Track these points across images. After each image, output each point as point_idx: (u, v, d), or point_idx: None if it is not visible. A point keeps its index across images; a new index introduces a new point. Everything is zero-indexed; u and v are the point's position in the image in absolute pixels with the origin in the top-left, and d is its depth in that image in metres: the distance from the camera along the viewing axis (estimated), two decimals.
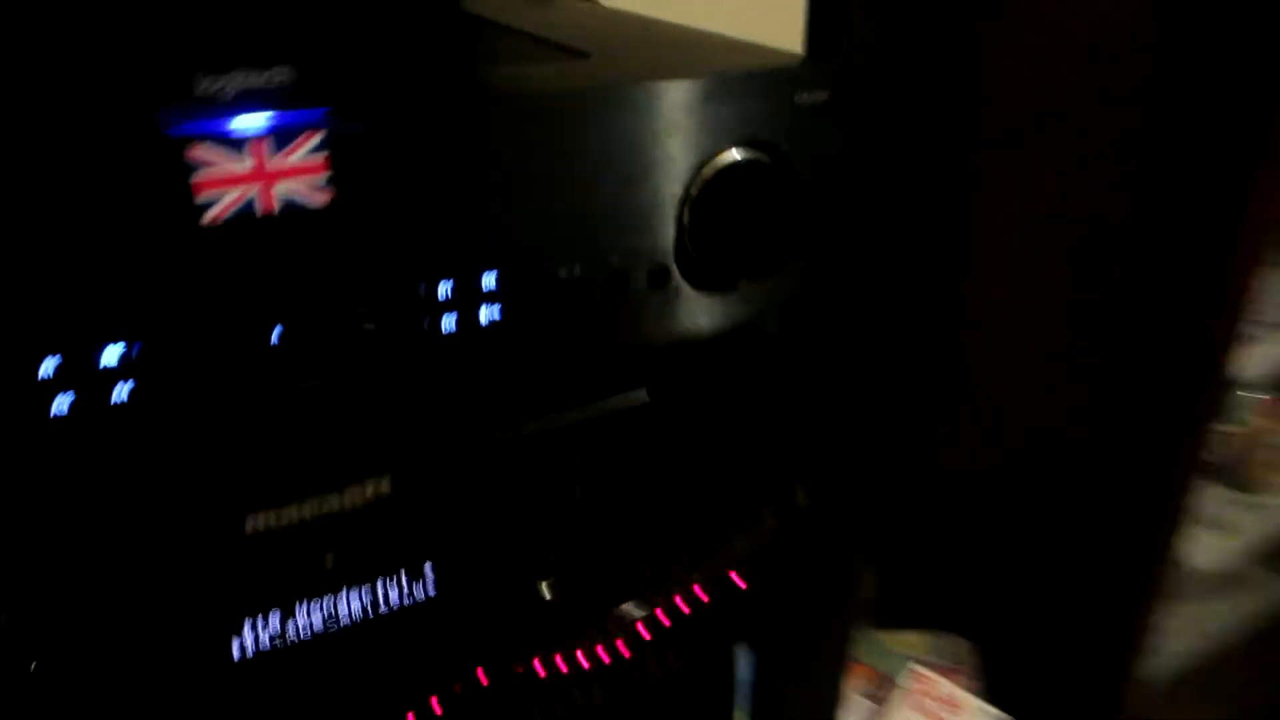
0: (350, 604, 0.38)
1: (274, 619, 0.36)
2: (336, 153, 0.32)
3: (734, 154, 0.40)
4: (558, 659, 0.44)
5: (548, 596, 0.42)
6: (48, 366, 0.30)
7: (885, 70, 0.45)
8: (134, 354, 0.31)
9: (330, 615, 0.37)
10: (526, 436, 0.40)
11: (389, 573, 0.38)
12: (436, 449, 0.38)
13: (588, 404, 0.41)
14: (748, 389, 0.48)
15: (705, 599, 0.50)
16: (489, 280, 0.36)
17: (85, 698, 0.33)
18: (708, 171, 0.39)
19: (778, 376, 0.50)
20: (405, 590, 0.39)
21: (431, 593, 0.39)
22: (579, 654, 0.45)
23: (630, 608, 0.47)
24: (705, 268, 0.41)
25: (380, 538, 0.37)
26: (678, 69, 0.40)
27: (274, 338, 0.33)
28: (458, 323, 0.36)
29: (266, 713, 0.37)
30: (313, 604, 0.37)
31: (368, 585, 0.38)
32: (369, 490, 0.37)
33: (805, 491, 0.56)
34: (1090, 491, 1.04)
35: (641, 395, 0.42)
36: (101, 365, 0.30)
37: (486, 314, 0.36)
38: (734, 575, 0.53)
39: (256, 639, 0.36)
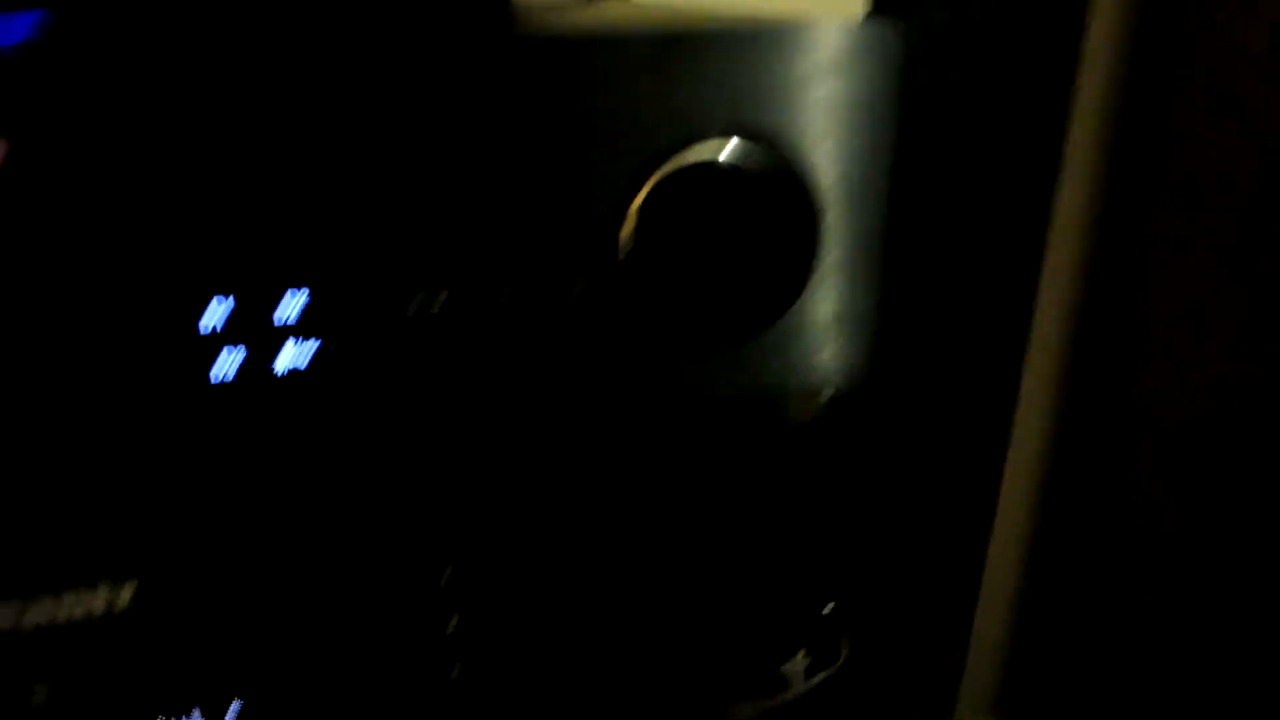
0: None
1: None
2: None
3: (707, 148, 0.26)
4: None
5: None
6: None
7: (987, 36, 0.30)
8: None
9: None
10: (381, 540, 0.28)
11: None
12: (203, 541, 0.26)
13: (460, 507, 0.28)
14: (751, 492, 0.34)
15: None
16: (291, 307, 0.24)
17: None
18: (663, 172, 0.26)
19: (805, 477, 0.36)
20: None
21: None
22: None
23: None
24: (650, 317, 0.27)
25: (117, 666, 0.26)
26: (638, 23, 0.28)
27: None
28: (240, 369, 0.24)
29: None
30: None
31: None
32: (101, 600, 0.25)
33: (850, 638, 0.41)
34: None
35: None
36: None
37: (289, 358, 0.24)
38: None
39: None
